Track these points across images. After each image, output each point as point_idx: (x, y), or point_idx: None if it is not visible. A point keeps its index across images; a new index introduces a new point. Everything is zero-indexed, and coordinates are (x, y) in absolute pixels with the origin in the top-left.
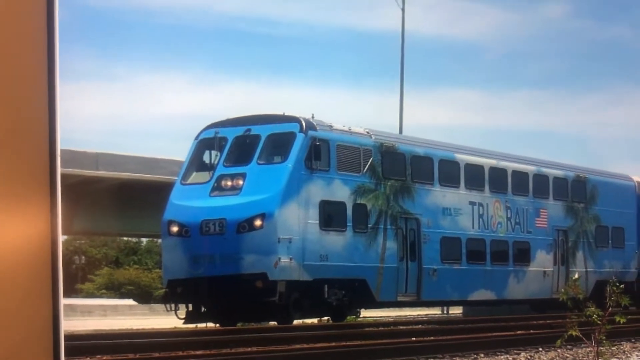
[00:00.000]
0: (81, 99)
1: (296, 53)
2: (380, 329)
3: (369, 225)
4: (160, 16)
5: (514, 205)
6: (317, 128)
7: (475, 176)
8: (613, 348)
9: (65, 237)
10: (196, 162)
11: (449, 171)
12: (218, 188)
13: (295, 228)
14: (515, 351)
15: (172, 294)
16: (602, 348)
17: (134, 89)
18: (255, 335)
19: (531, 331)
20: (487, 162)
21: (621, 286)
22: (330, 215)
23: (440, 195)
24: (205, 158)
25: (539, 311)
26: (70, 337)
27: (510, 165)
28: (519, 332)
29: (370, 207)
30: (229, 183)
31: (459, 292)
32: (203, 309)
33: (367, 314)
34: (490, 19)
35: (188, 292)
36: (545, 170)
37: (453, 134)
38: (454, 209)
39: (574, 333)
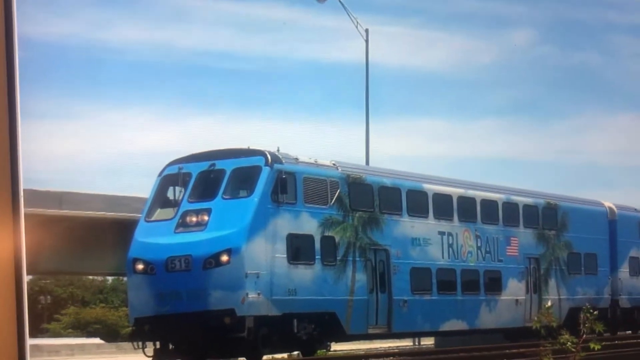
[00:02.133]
0: (43, 138)
1: (260, 86)
2: None
3: (338, 258)
4: (122, 53)
5: (483, 234)
6: (283, 161)
7: (443, 206)
8: None
9: (31, 276)
10: (160, 199)
11: (417, 201)
12: (183, 224)
13: (263, 262)
14: None
15: (139, 332)
16: None
17: (96, 127)
18: None
19: None
20: (455, 191)
21: (595, 313)
22: (298, 249)
23: (409, 226)
24: (169, 194)
25: (512, 340)
26: None
27: (479, 194)
28: None
29: (338, 240)
30: (194, 219)
31: (431, 323)
32: (171, 346)
33: (337, 347)
34: (454, 48)
35: (155, 329)
36: (514, 198)
37: (420, 164)
38: (423, 239)
39: None
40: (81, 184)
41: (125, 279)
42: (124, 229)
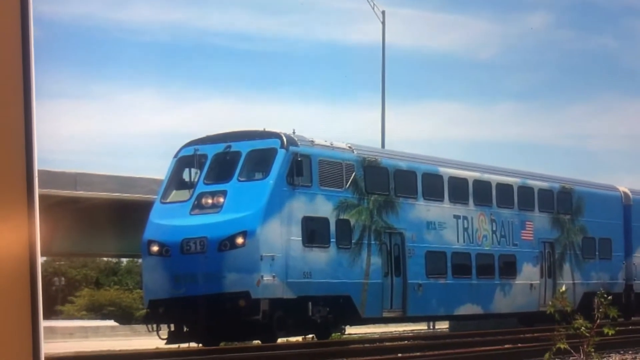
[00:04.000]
0: (59, 119)
1: (276, 68)
2: (365, 345)
3: (353, 241)
4: (138, 34)
5: (499, 218)
6: (299, 144)
7: (459, 189)
8: None
9: (45, 258)
10: (176, 180)
11: (433, 185)
12: (198, 206)
13: (278, 245)
14: None
15: (154, 314)
16: None
17: (112, 108)
18: (239, 355)
19: (519, 345)
20: (471, 175)
21: (609, 297)
22: (313, 232)
23: (424, 209)
24: (185, 176)
25: (526, 324)
26: None
27: (495, 178)
28: (506, 346)
29: (353, 223)
30: (210, 201)
31: (445, 307)
32: (185, 329)
33: (352, 330)
34: (471, 31)
35: (170, 312)
36: (530, 182)
37: (436, 147)
38: (439, 222)
39: (562, 346)
40: (96, 165)
41: (139, 260)
42: (139, 211)
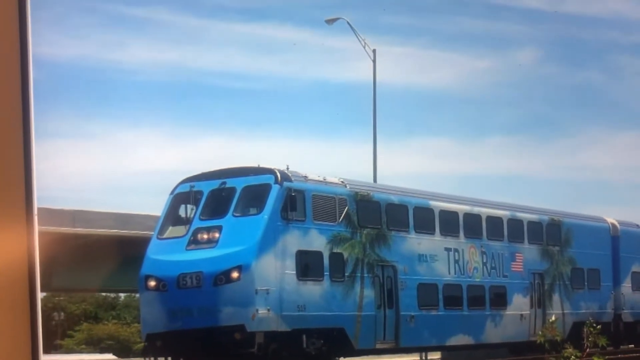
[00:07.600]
0: (57, 157)
1: (270, 106)
2: None
3: (346, 274)
4: (133, 74)
5: (489, 250)
6: (292, 179)
7: (450, 222)
8: None
9: (45, 293)
10: (172, 217)
11: (424, 218)
12: (194, 241)
13: (273, 279)
14: None
15: (152, 348)
16: None
17: (110, 146)
18: None
19: None
20: (462, 208)
21: (598, 327)
22: (307, 265)
23: (416, 242)
24: (181, 212)
25: (517, 354)
26: None
27: (485, 211)
28: None
29: (346, 256)
30: (205, 236)
31: (437, 338)
32: None
33: None
34: (460, 67)
35: (167, 345)
36: (519, 214)
37: (427, 181)
38: (430, 255)
39: None
40: (94, 202)
41: (137, 295)
42: (136, 246)
